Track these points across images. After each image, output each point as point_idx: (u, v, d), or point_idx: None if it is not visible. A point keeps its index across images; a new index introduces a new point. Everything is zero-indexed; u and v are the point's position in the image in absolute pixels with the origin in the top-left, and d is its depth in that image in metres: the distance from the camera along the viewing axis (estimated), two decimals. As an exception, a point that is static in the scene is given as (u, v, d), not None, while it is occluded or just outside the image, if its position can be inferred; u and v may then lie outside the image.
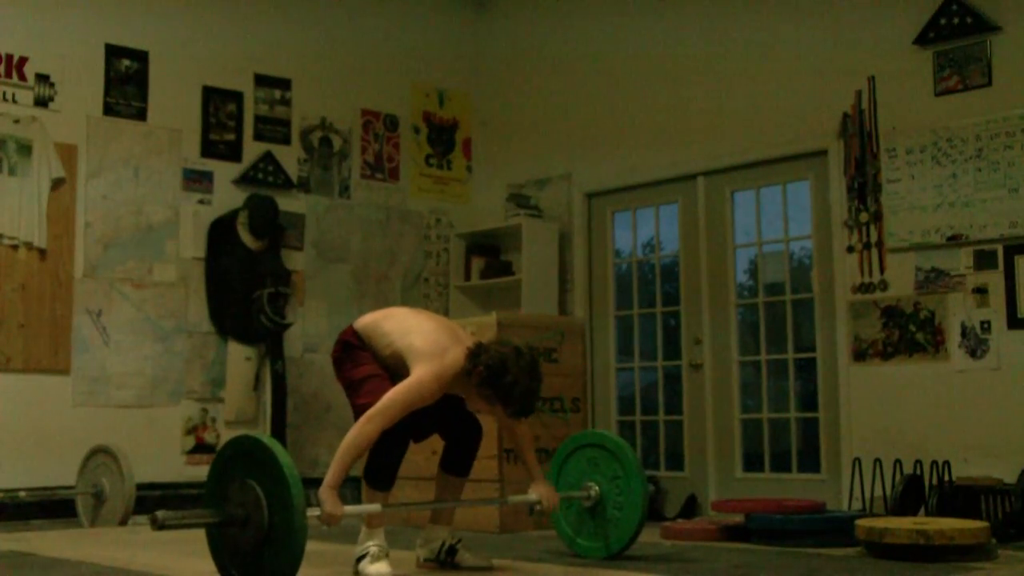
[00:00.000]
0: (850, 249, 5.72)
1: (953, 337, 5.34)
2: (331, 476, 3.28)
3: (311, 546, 4.45)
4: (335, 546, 4.35)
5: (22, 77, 5.87)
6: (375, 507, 3.45)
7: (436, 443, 3.85)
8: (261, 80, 6.74)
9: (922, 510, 5.05)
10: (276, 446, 3.05)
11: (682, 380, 6.48)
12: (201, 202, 6.42)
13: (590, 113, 6.98)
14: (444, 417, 3.66)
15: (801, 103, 5.96)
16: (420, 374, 3.39)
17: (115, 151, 6.15)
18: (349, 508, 3.32)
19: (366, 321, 3.70)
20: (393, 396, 3.35)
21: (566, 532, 4.13)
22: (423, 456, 4.00)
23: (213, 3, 6.61)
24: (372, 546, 3.47)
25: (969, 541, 3.85)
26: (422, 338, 3.49)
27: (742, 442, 6.20)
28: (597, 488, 4.00)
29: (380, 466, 3.52)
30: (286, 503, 2.98)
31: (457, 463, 3.74)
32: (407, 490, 5.18)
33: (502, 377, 3.36)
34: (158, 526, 3.00)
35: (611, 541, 3.96)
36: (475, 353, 3.41)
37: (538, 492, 3.78)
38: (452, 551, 3.69)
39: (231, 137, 6.58)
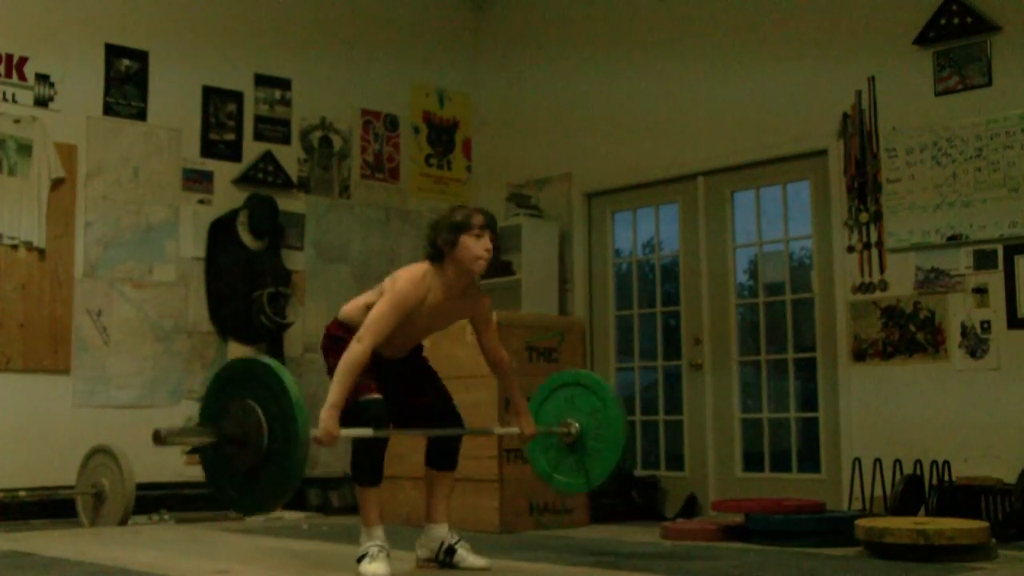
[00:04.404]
0: (850, 249, 5.72)
1: (953, 337, 5.34)
2: (332, 396, 3.32)
3: (311, 546, 4.45)
4: (335, 546, 4.36)
5: (22, 77, 5.87)
6: (366, 431, 3.44)
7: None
8: (261, 80, 6.74)
9: (922, 510, 5.05)
10: (279, 367, 3.10)
11: (682, 380, 6.48)
12: (201, 202, 6.42)
13: (590, 113, 6.98)
14: (423, 408, 3.67)
15: (801, 103, 5.96)
16: (393, 286, 3.50)
17: (115, 151, 6.15)
18: (345, 431, 3.34)
19: (346, 309, 3.72)
20: (378, 310, 3.44)
21: (544, 469, 4.13)
22: (420, 456, 3.99)
23: (213, 3, 6.61)
24: (372, 546, 3.47)
25: (969, 541, 3.85)
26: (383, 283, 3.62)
27: (742, 442, 6.20)
28: (578, 425, 4.01)
29: (365, 461, 3.52)
30: (287, 422, 3.01)
31: (440, 458, 3.74)
32: (407, 490, 5.18)
33: (444, 218, 3.55)
34: (159, 441, 3.09)
35: (592, 475, 3.96)
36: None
37: (518, 423, 3.85)
38: (451, 551, 3.68)
39: (231, 137, 6.58)
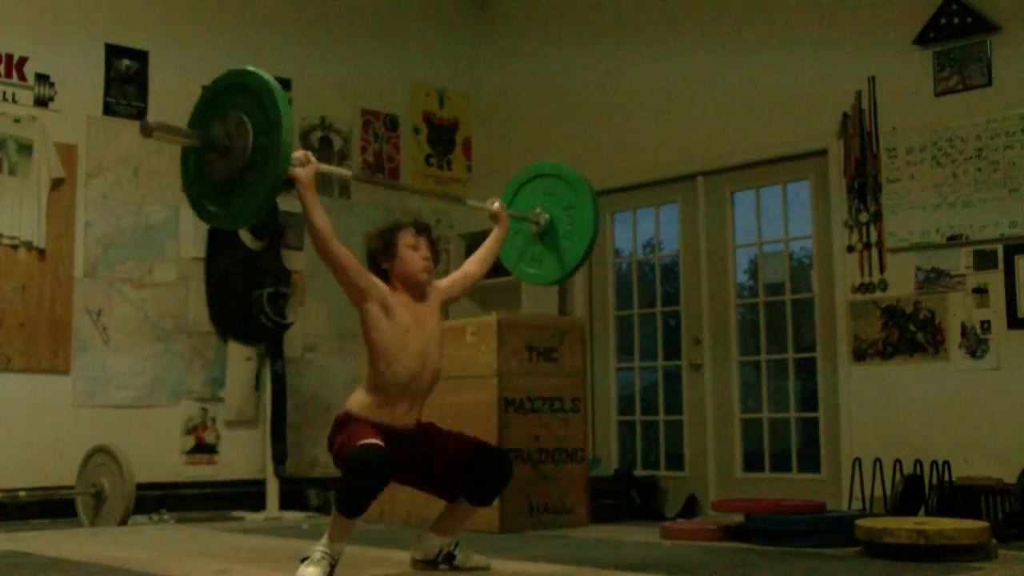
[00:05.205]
0: (850, 249, 5.72)
1: (953, 337, 5.34)
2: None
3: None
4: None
5: (22, 77, 5.87)
6: (346, 171, 3.47)
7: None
8: (261, 80, 6.73)
9: (922, 510, 5.05)
10: (280, 93, 3.10)
11: (682, 380, 6.48)
12: (201, 202, 6.41)
13: (590, 113, 6.98)
14: (440, 477, 3.51)
15: (801, 103, 5.96)
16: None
17: (115, 151, 6.15)
18: (325, 167, 3.41)
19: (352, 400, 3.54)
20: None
21: (510, 257, 4.12)
22: (423, 456, 4.01)
23: (213, 3, 6.61)
24: (318, 550, 3.26)
25: (969, 541, 3.85)
26: None
27: (742, 442, 6.20)
28: (547, 216, 3.98)
29: (354, 494, 3.26)
30: (272, 143, 3.04)
31: (483, 496, 3.56)
32: (407, 490, 5.17)
33: (376, 235, 3.59)
34: (146, 130, 3.19)
35: (566, 260, 3.94)
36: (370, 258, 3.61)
37: (492, 203, 3.91)
38: (451, 556, 3.64)
39: (231, 137, 6.57)
